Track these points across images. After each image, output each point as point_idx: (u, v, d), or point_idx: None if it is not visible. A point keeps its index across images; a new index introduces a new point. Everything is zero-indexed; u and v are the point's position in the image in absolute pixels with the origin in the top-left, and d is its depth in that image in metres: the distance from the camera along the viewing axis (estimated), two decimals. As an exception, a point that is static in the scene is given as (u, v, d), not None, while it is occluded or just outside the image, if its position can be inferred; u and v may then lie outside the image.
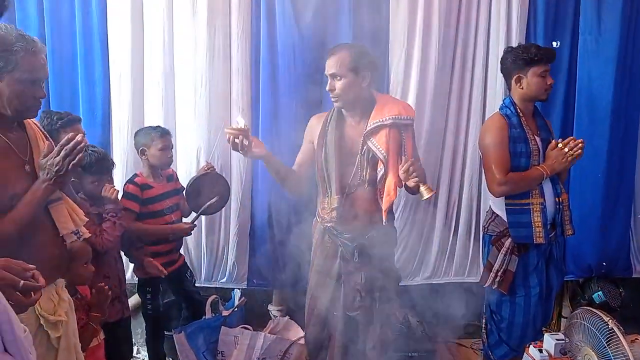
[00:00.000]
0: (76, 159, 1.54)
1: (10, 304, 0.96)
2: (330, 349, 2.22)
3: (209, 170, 2.70)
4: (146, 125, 2.71)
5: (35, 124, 1.68)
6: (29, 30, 2.57)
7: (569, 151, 2.22)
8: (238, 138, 1.97)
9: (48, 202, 1.58)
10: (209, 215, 2.77)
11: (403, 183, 2.05)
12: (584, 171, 2.98)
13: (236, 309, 2.83)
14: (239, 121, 2.03)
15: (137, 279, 2.65)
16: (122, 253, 2.51)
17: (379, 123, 2.07)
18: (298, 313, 2.67)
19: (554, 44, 2.89)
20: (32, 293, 1.12)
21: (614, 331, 1.74)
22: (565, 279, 2.95)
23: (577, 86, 2.99)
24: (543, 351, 1.98)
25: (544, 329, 2.57)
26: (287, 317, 2.93)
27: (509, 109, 2.31)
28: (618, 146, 3.02)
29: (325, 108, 2.29)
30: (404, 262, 3.05)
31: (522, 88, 2.29)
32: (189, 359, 2.55)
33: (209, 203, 2.59)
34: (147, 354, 2.75)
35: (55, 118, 2.21)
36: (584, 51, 2.95)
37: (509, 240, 2.30)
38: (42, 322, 1.54)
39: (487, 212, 2.49)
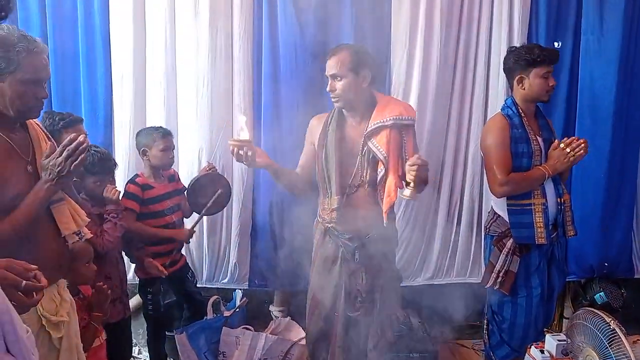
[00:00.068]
0: (78, 159, 1.54)
1: (12, 304, 0.96)
2: (332, 350, 2.22)
3: (210, 171, 2.70)
4: (148, 125, 2.71)
5: (37, 124, 1.68)
6: (31, 31, 2.58)
7: (570, 151, 2.21)
8: (242, 150, 1.97)
9: (50, 203, 1.58)
10: (210, 215, 2.78)
11: (403, 183, 2.05)
12: (586, 171, 2.97)
13: (237, 310, 2.83)
14: (240, 120, 2.03)
15: (138, 279, 2.65)
16: (123, 254, 2.52)
17: (380, 124, 2.07)
18: (299, 314, 2.67)
19: (556, 44, 2.89)
20: (34, 293, 1.12)
21: (616, 332, 1.75)
22: (567, 280, 2.94)
23: (579, 86, 2.99)
24: (545, 352, 1.98)
25: (545, 329, 2.56)
26: (288, 317, 2.92)
27: (511, 109, 2.31)
28: (620, 146, 3.02)
29: (326, 108, 2.28)
30: (405, 263, 3.06)
31: (524, 89, 2.29)
32: (190, 359, 2.55)
33: (210, 202, 2.59)
34: (148, 354, 2.75)
35: (57, 118, 2.21)
36: (586, 51, 2.95)
37: (511, 240, 2.30)
38: (44, 322, 1.54)
39: (489, 212, 2.48)
